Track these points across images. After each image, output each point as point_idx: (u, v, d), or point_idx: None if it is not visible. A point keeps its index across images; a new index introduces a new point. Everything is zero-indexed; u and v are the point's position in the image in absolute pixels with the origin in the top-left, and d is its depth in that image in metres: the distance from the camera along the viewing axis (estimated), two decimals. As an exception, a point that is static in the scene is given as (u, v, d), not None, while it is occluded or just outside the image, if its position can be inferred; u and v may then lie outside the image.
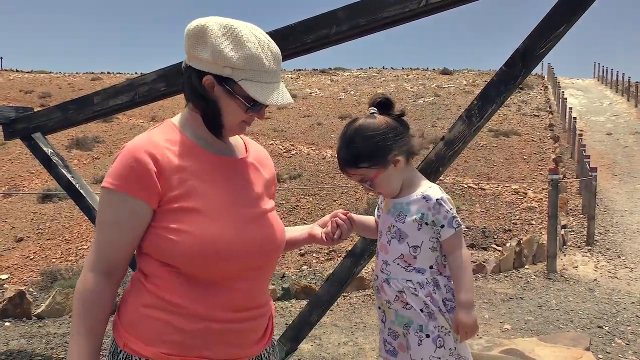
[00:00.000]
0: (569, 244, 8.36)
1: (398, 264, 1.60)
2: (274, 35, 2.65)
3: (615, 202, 11.46)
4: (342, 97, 24.43)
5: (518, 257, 7.13)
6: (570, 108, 19.44)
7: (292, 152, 13.58)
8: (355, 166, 1.58)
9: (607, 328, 4.83)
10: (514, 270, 6.95)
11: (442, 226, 1.56)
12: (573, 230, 9.14)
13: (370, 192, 1.70)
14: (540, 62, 2.87)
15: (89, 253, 1.27)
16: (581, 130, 16.40)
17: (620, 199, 11.69)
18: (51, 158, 3.57)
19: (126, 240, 1.24)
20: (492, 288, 6.19)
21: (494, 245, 8.02)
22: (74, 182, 3.53)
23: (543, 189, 10.54)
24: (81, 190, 3.53)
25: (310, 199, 9.73)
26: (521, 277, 6.67)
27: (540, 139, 16.11)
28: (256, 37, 1.25)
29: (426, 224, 1.57)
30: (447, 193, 1.63)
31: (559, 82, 26.57)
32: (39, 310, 5.22)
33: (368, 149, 1.55)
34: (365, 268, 3.19)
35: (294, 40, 2.65)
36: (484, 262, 6.95)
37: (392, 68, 34.96)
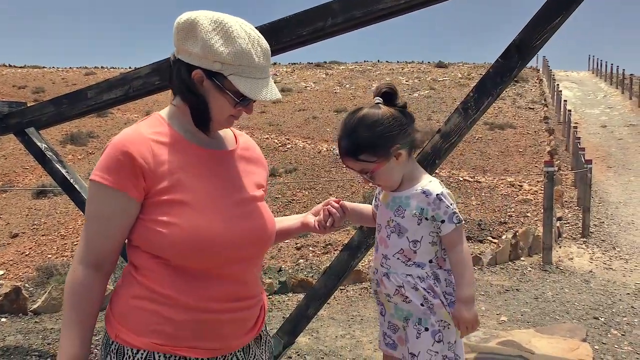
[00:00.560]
0: (564, 235, 8.39)
1: (398, 258, 1.59)
2: (269, 28, 2.65)
3: (610, 194, 11.51)
4: (337, 91, 24.42)
5: (514, 249, 7.15)
6: (565, 101, 19.50)
7: (288, 146, 13.54)
8: (356, 156, 1.54)
9: (602, 319, 4.85)
10: (509, 263, 6.98)
11: (443, 221, 1.53)
12: (568, 222, 9.17)
13: (369, 185, 1.66)
14: (536, 55, 2.87)
15: (78, 246, 1.28)
16: (576, 123, 16.44)
17: (615, 191, 11.73)
18: (45, 153, 3.55)
19: (114, 233, 1.24)
20: (488, 280, 6.21)
21: (489, 238, 8.05)
22: (68, 177, 3.52)
23: (538, 181, 10.59)
24: (76, 185, 3.51)
25: (306, 192, 9.73)
26: (517, 269, 6.70)
27: (535, 131, 16.17)
28: (246, 32, 1.25)
29: (426, 219, 1.55)
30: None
31: (553, 75, 26.63)
32: (35, 306, 5.20)
33: (371, 139, 1.50)
34: (362, 261, 3.20)
35: (289, 32, 2.64)
36: (480, 254, 6.98)
37: (387, 61, 35.05)
